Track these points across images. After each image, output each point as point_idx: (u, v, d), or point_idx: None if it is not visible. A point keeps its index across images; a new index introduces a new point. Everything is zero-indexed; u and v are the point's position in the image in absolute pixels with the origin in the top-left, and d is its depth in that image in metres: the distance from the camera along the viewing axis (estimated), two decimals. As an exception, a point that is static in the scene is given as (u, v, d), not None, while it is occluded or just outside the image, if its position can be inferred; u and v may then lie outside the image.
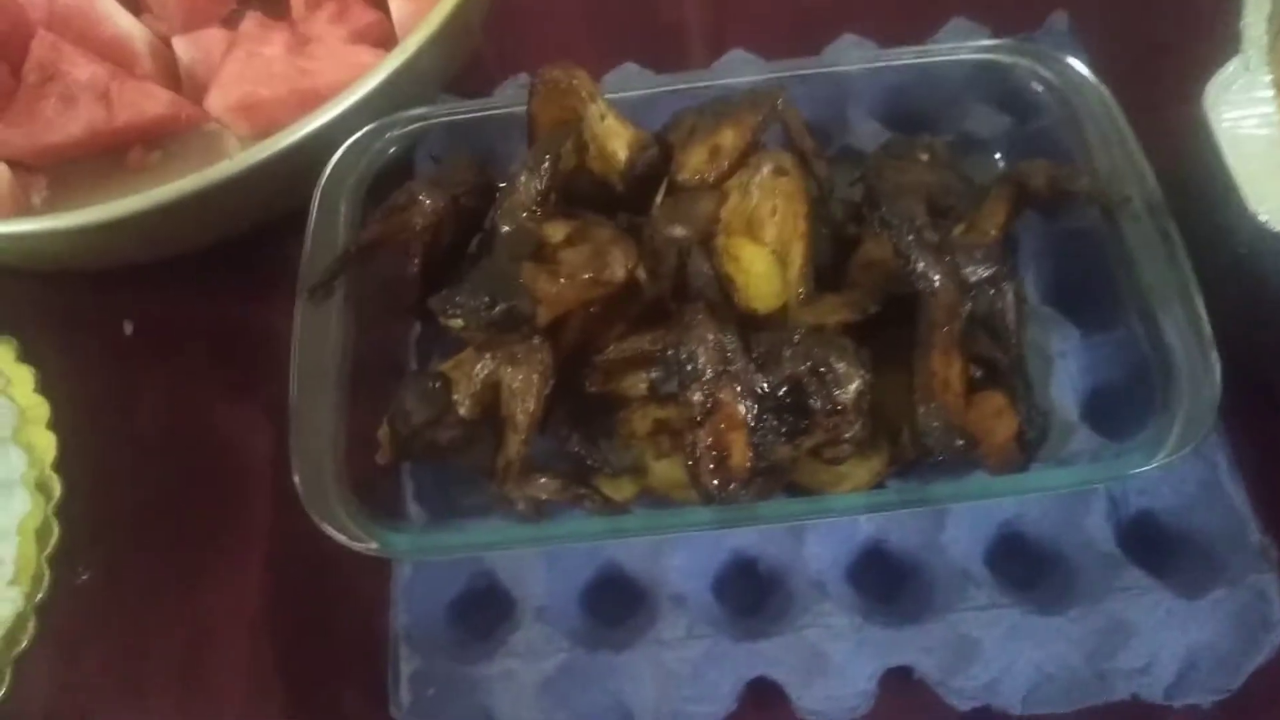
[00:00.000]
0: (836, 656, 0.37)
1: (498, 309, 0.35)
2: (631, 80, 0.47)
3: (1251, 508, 0.38)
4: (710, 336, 0.34)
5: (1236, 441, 0.39)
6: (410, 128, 0.42)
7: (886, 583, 0.40)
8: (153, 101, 0.49)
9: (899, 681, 0.38)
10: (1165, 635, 0.37)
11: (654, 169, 0.39)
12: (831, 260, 0.38)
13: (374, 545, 0.35)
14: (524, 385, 0.36)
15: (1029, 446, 0.35)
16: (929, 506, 0.38)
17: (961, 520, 0.39)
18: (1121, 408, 0.38)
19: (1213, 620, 0.37)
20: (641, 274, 0.36)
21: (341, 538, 0.35)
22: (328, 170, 0.41)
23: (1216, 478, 0.38)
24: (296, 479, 0.35)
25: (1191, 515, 0.39)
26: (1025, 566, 0.39)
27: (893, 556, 0.40)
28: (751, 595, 0.41)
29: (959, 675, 0.37)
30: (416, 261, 0.39)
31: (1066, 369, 0.40)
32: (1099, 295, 0.39)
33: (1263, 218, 0.34)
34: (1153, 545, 0.39)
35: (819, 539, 0.39)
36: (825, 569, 0.39)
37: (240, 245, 0.47)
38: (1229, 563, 0.37)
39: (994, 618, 0.37)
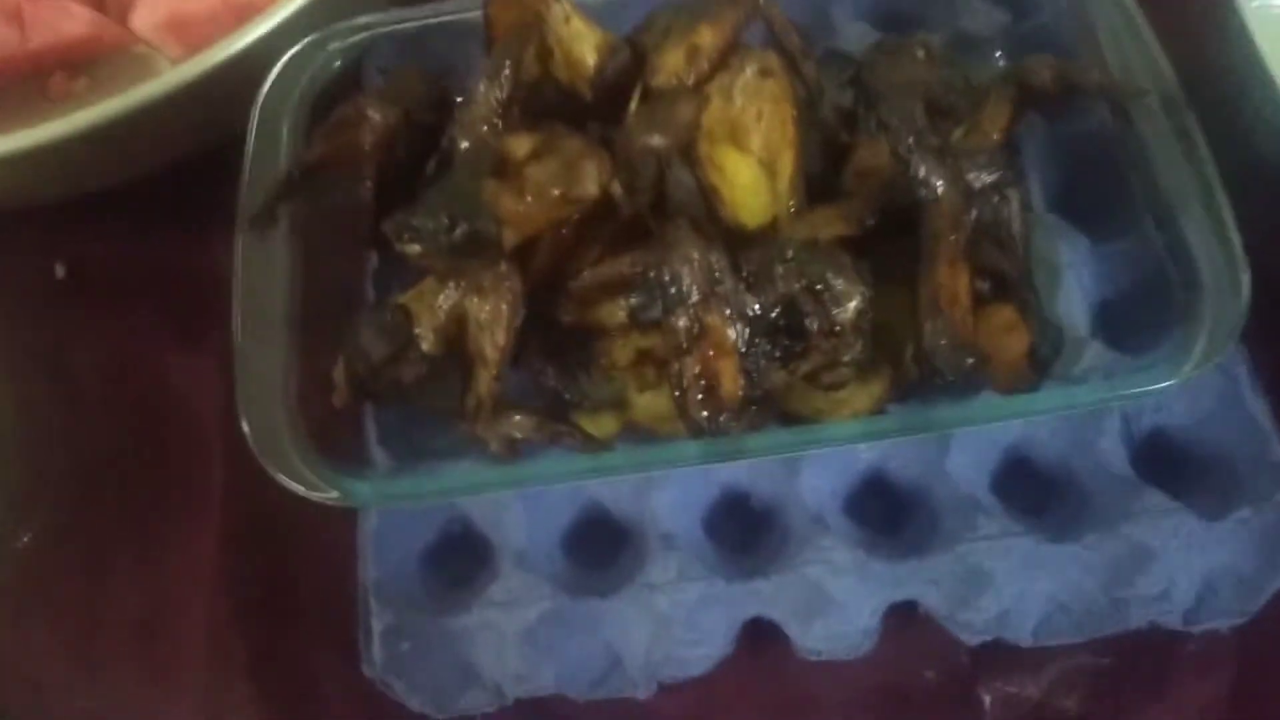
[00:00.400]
0: (838, 593, 0.35)
1: (458, 232, 0.31)
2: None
3: (1274, 422, 0.36)
4: (695, 255, 0.31)
5: (1256, 352, 0.36)
6: (355, 38, 0.38)
7: (888, 514, 0.38)
8: (71, 21, 0.44)
9: (904, 617, 0.36)
10: (1184, 559, 0.35)
11: (625, 75, 0.35)
12: (823, 170, 0.35)
13: (334, 494, 0.32)
14: (492, 316, 0.33)
15: (1042, 363, 0.32)
16: (934, 432, 0.35)
17: (966, 445, 0.36)
18: (1137, 320, 0.36)
19: (1234, 542, 0.35)
20: (616, 189, 0.33)
21: (298, 488, 0.32)
22: (265, 86, 0.37)
23: (1236, 391, 0.36)
24: (245, 427, 0.32)
25: (1210, 432, 0.36)
26: (1033, 492, 0.37)
27: (894, 486, 0.38)
28: (744, 532, 0.38)
29: (967, 608, 0.35)
30: (368, 184, 0.36)
31: (1075, 280, 0.37)
32: (1109, 201, 0.37)
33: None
34: (1169, 465, 0.37)
35: (815, 470, 0.37)
36: (823, 501, 0.37)
37: (181, 176, 0.43)
38: (1251, 481, 0.35)
39: (1005, 547, 0.35)
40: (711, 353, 0.31)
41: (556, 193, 0.32)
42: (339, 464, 0.32)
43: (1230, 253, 0.32)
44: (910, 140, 0.32)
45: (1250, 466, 0.35)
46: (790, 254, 0.31)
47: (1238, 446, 0.36)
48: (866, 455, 0.37)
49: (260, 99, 0.37)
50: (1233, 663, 0.36)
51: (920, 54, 0.36)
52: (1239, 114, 0.36)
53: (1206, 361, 0.31)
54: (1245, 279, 0.31)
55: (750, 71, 0.34)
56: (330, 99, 0.38)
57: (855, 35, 0.42)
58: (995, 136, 0.36)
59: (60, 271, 0.45)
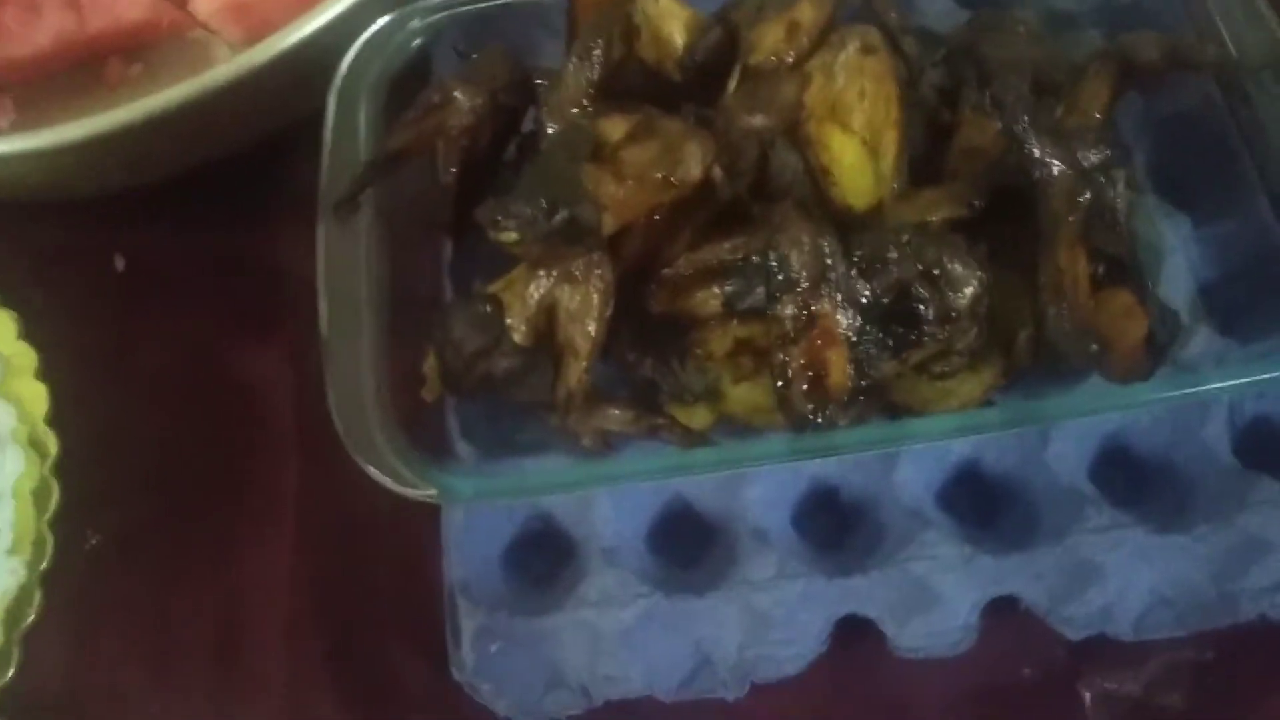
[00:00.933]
0: (942, 589, 0.34)
1: (559, 218, 0.30)
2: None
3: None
4: (805, 239, 0.30)
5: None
6: (433, 19, 0.37)
7: (982, 507, 0.37)
8: (129, 5, 0.43)
9: (1001, 613, 0.35)
10: (1298, 550, 0.33)
11: (716, 54, 0.34)
12: (924, 150, 0.34)
13: (432, 491, 0.31)
14: (583, 306, 0.32)
15: (1160, 349, 0.31)
16: (1040, 425, 0.34)
17: (1066, 434, 0.35)
18: (1242, 304, 0.35)
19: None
20: (717, 172, 0.32)
21: (394, 485, 0.31)
22: (343, 68, 0.36)
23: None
24: (338, 423, 0.31)
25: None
26: (1132, 481, 0.36)
27: (990, 477, 0.37)
28: (833, 527, 0.37)
29: (1071, 603, 0.34)
30: (453, 170, 0.35)
31: (1178, 263, 0.36)
32: (1212, 180, 0.36)
33: None
34: (1273, 453, 0.35)
35: (910, 462, 0.35)
36: (918, 494, 0.36)
37: (241, 164, 0.42)
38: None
39: (1115, 539, 0.34)
40: (820, 342, 0.30)
41: (659, 176, 0.31)
42: (434, 460, 0.31)
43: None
44: (1025, 119, 0.30)
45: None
46: (906, 237, 0.30)
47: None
48: (961, 446, 0.36)
49: (338, 81, 0.36)
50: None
51: (1021, 30, 0.35)
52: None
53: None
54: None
55: (852, 48, 0.33)
56: (403, 83, 0.37)
57: (939, 13, 0.41)
58: (1097, 115, 0.34)
59: (120, 264, 0.44)
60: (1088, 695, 0.35)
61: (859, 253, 0.30)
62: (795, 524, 0.37)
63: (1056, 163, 0.31)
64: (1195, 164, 0.36)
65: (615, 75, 0.35)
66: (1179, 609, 0.34)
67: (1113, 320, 0.31)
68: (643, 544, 0.37)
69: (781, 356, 0.31)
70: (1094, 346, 0.30)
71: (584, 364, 0.32)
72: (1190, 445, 0.35)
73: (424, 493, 0.31)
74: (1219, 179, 0.35)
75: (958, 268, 0.30)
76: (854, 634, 0.35)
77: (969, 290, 0.30)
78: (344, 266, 0.33)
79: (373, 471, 0.31)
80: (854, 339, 0.30)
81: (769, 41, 0.33)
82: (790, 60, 0.33)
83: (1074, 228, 0.30)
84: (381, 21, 0.36)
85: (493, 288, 0.33)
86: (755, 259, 0.31)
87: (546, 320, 0.33)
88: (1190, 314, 0.36)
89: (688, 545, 0.37)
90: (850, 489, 0.37)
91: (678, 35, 0.34)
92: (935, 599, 0.34)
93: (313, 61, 0.38)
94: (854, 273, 0.30)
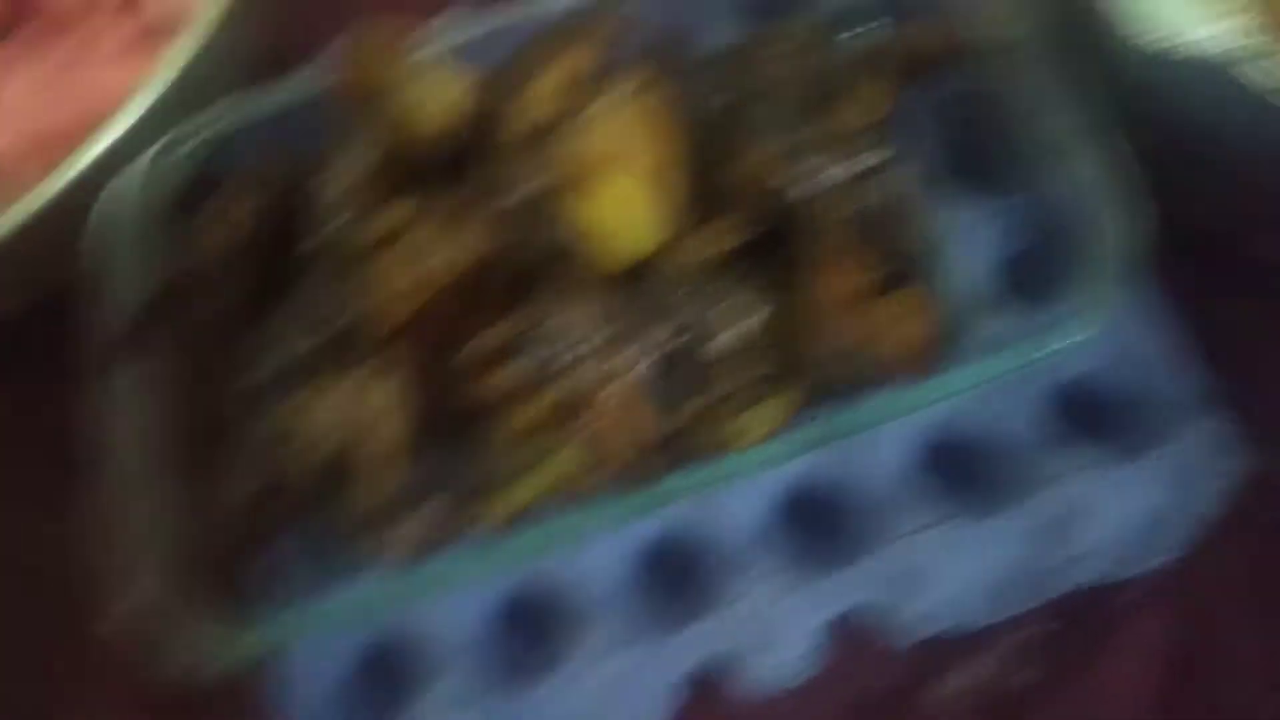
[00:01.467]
0: (776, 621, 0.34)
1: (334, 326, 0.29)
2: (458, 24, 0.39)
3: (1180, 354, 0.36)
4: (584, 302, 0.30)
5: (1160, 285, 0.36)
6: (200, 138, 0.35)
7: (813, 527, 0.36)
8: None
9: (844, 630, 0.35)
10: (1113, 507, 0.35)
11: (492, 121, 0.34)
12: (711, 182, 0.33)
13: (250, 645, 0.29)
14: (380, 412, 0.31)
15: (947, 341, 0.32)
16: (860, 433, 0.34)
17: (883, 439, 0.36)
18: (1044, 278, 0.35)
19: (1154, 482, 0.35)
20: (497, 243, 0.31)
21: (202, 654, 0.29)
22: (93, 221, 0.33)
23: (1139, 331, 0.36)
24: (127, 598, 0.29)
25: (1117, 376, 0.36)
26: (958, 472, 0.37)
27: (816, 496, 0.36)
28: (671, 577, 0.36)
29: (906, 607, 0.35)
30: (235, 292, 0.33)
31: (972, 246, 0.36)
32: (993, 160, 0.36)
33: (1152, 41, 0.31)
34: (1082, 416, 0.36)
35: (731, 498, 0.35)
36: (743, 529, 0.35)
37: (30, 323, 0.39)
38: (1167, 416, 0.35)
39: (938, 535, 0.34)
40: (615, 401, 0.30)
41: (435, 260, 0.30)
42: (238, 615, 0.30)
43: (1125, 189, 0.31)
44: (787, 138, 0.31)
45: (1163, 402, 0.36)
46: (682, 278, 0.30)
47: (1147, 386, 0.36)
48: (782, 472, 0.36)
49: (92, 232, 0.34)
50: (1172, 600, 0.36)
51: (788, 45, 0.35)
52: (1108, 47, 0.35)
53: (1113, 305, 0.31)
54: (1139, 210, 0.31)
55: (625, 91, 0.32)
56: (193, 209, 0.35)
57: (726, 34, 0.39)
58: (874, 115, 0.34)
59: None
60: (941, 693, 0.36)
61: (640, 303, 0.30)
62: (633, 586, 0.36)
63: (822, 177, 0.31)
64: (985, 144, 0.37)
65: (393, 160, 0.34)
66: (1016, 589, 0.35)
67: (897, 323, 0.31)
68: (484, 640, 0.35)
69: (582, 421, 0.30)
70: (864, 362, 0.30)
71: (388, 472, 0.31)
72: (1004, 423, 0.36)
73: (234, 654, 0.29)
74: (998, 157, 0.36)
75: (737, 302, 0.30)
76: (703, 684, 0.35)
77: (748, 323, 0.30)
78: (121, 423, 0.31)
79: (176, 645, 0.29)
80: (648, 391, 0.30)
81: (539, 99, 0.32)
82: (564, 113, 0.32)
83: (837, 241, 0.31)
84: (131, 164, 0.35)
85: (280, 412, 0.32)
86: (540, 329, 0.31)
87: (346, 435, 0.32)
88: (992, 295, 0.36)
89: (535, 627, 0.36)
90: (677, 535, 0.36)
91: (448, 111, 0.33)
92: (771, 633, 0.34)
93: (75, 214, 0.36)
94: (637, 323, 0.30)
